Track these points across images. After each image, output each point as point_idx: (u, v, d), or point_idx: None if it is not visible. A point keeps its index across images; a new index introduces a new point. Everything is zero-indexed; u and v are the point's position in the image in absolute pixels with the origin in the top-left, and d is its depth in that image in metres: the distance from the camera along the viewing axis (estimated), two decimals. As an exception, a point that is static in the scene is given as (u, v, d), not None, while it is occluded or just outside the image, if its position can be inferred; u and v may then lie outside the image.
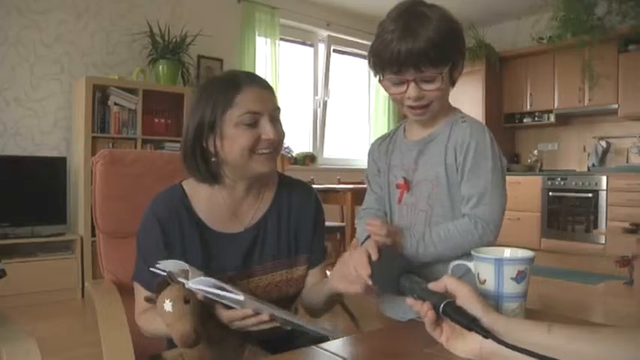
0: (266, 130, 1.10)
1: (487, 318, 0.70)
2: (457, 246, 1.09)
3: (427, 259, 1.11)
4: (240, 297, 0.88)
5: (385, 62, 1.10)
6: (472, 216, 1.10)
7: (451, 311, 0.71)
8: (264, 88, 1.14)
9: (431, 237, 1.11)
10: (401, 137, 1.27)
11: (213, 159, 1.14)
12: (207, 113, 1.10)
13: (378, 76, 1.17)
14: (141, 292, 1.14)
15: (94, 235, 2.94)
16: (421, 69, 1.06)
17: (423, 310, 0.75)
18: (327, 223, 1.29)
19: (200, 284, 0.92)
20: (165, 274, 0.96)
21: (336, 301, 1.26)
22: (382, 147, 1.30)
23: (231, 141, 1.10)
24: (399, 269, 0.81)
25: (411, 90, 1.09)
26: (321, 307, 1.23)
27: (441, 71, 1.08)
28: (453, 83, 1.16)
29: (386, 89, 1.16)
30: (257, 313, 0.94)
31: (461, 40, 1.14)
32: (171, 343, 1.10)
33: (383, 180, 1.28)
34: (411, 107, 1.13)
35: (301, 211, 1.26)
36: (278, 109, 1.16)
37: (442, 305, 0.72)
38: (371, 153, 1.34)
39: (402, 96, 1.11)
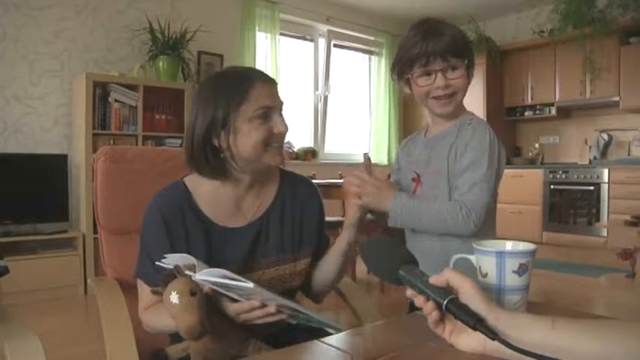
0: (277, 123, 1.14)
1: (490, 315, 0.70)
2: (440, 222, 1.19)
3: (407, 223, 1.22)
4: (250, 284, 0.88)
5: (414, 57, 1.24)
6: (459, 201, 1.20)
7: (455, 309, 0.71)
8: (272, 83, 1.17)
9: (419, 205, 1.21)
10: (422, 137, 1.41)
11: (222, 154, 1.14)
12: (219, 109, 1.11)
13: (405, 78, 1.30)
14: (144, 289, 1.14)
15: (96, 232, 2.94)
16: (447, 58, 1.22)
17: (427, 308, 0.74)
18: (329, 218, 1.30)
19: (208, 275, 0.92)
20: (171, 267, 0.96)
21: (345, 266, 1.28)
22: (405, 148, 1.46)
23: (245, 136, 1.11)
24: (399, 260, 0.80)
25: (439, 79, 1.23)
26: (335, 275, 1.27)
27: (464, 60, 1.24)
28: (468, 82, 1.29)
29: (414, 85, 1.28)
30: (264, 305, 0.94)
31: (469, 45, 1.28)
32: (174, 339, 1.10)
33: (403, 175, 1.41)
34: (438, 98, 1.26)
35: (304, 206, 1.27)
36: (283, 102, 1.19)
37: (445, 302, 0.72)
38: (397, 154, 1.50)
39: (430, 87, 1.25)
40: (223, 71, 1.24)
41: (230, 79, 1.15)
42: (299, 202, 1.27)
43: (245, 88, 1.11)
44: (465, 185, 1.21)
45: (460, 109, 1.31)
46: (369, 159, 1.27)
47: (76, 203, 3.97)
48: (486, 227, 1.25)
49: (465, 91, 1.28)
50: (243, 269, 1.17)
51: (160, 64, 4.35)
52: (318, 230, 1.29)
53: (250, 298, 0.95)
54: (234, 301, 0.97)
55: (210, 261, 1.11)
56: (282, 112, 1.17)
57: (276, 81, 1.20)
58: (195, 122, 1.13)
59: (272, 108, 1.13)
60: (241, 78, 1.14)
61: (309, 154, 5.76)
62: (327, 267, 1.27)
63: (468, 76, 1.27)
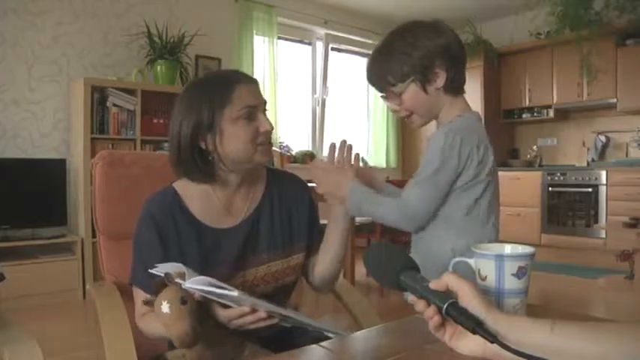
0: (263, 122, 1.15)
1: (489, 318, 0.70)
2: (386, 214, 1.20)
3: (363, 212, 1.20)
4: (235, 293, 0.89)
5: None
6: (404, 197, 1.19)
7: (455, 313, 0.71)
8: (253, 82, 1.19)
9: (372, 196, 1.20)
10: None
11: (210, 157, 1.15)
12: (204, 112, 1.11)
13: None
14: (140, 295, 1.14)
15: (94, 236, 2.95)
16: (382, 90, 1.27)
17: (428, 313, 0.75)
18: (324, 221, 1.30)
19: (196, 284, 0.92)
20: (162, 275, 0.96)
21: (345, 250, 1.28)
22: None
23: (231, 137, 1.12)
24: (399, 265, 0.81)
25: (389, 104, 1.28)
26: (338, 257, 1.27)
27: (398, 90, 1.22)
28: (448, 90, 1.24)
29: None
30: (254, 310, 0.94)
31: (411, 59, 1.21)
32: (173, 344, 1.10)
33: None
34: (402, 118, 1.30)
35: (293, 201, 1.29)
36: (266, 102, 1.20)
37: (445, 307, 0.72)
38: None
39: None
40: (204, 76, 1.26)
41: (211, 83, 1.16)
42: (287, 199, 1.28)
43: (227, 89, 1.13)
44: (407, 186, 1.22)
45: (444, 117, 1.27)
46: (334, 145, 1.24)
47: (75, 208, 3.97)
48: (483, 230, 1.24)
49: (426, 107, 1.25)
50: (237, 268, 1.18)
51: (158, 68, 4.35)
52: (309, 224, 1.30)
53: (241, 304, 0.95)
54: (226, 307, 0.97)
55: (204, 263, 1.12)
56: (266, 111, 1.19)
57: (258, 80, 1.22)
58: (181, 127, 1.14)
59: (255, 107, 1.15)
60: (223, 80, 1.15)
61: (308, 157, 5.76)
62: (328, 253, 1.27)
63: (425, 87, 1.22)
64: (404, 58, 1.21)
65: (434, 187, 1.18)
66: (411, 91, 1.22)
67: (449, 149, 1.18)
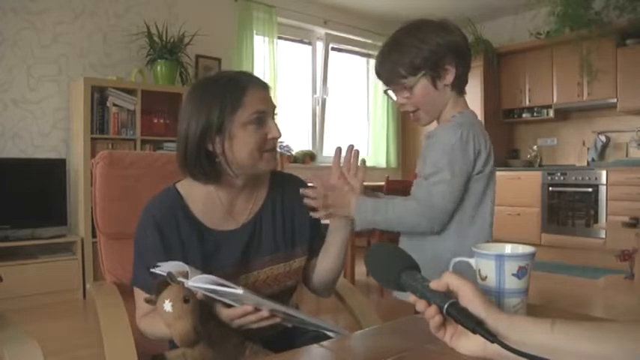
0: (272, 128, 1.14)
1: (490, 317, 0.70)
2: (402, 222, 1.20)
3: (372, 225, 1.21)
4: (240, 291, 0.88)
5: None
6: (425, 197, 1.19)
7: (455, 313, 0.71)
8: (265, 88, 1.17)
9: (381, 207, 1.19)
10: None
11: (217, 159, 1.14)
12: (213, 115, 1.10)
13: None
14: (141, 296, 1.14)
15: (94, 236, 2.95)
16: (390, 83, 1.27)
17: (429, 313, 0.75)
18: (325, 221, 1.30)
19: (199, 282, 0.92)
20: (164, 274, 0.96)
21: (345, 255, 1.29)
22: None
23: (240, 142, 1.11)
24: (400, 265, 0.81)
25: (397, 98, 1.28)
26: (338, 267, 1.28)
27: (409, 83, 1.23)
28: (454, 88, 1.26)
29: None
30: (257, 310, 0.94)
31: (422, 52, 1.22)
32: (173, 343, 1.10)
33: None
34: (406, 113, 1.30)
35: (295, 204, 1.27)
36: (275, 107, 1.19)
37: (446, 306, 0.72)
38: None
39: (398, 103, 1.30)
40: (215, 76, 1.21)
41: (223, 84, 1.14)
42: (290, 202, 1.28)
43: (239, 93, 1.11)
44: (426, 185, 1.21)
45: (446, 114, 1.28)
46: (340, 149, 1.25)
47: (75, 208, 3.97)
48: (479, 230, 1.24)
49: (432, 102, 1.26)
50: (239, 271, 1.18)
51: (158, 68, 4.35)
52: (311, 227, 1.29)
53: (244, 303, 0.95)
54: (229, 306, 0.97)
55: (206, 265, 1.11)
56: (275, 116, 1.18)
57: (269, 85, 1.20)
58: (189, 127, 1.12)
59: (266, 113, 1.14)
60: (235, 83, 1.13)
61: (308, 157, 5.76)
62: (328, 260, 1.27)
63: (435, 82, 1.23)
64: (416, 52, 1.22)
65: (455, 183, 1.19)
66: (422, 85, 1.23)
67: (465, 142, 1.20)
